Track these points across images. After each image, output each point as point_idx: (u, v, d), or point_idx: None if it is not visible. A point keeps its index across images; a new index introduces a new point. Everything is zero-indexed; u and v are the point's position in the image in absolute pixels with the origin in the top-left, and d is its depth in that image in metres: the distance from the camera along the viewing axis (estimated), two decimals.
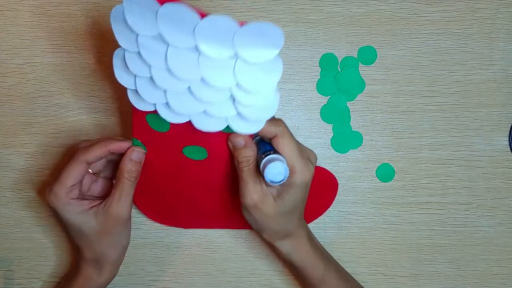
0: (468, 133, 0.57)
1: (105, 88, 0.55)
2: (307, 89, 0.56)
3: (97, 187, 0.50)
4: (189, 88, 0.40)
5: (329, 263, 0.51)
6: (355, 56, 0.56)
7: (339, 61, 0.56)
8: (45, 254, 0.56)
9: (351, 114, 0.56)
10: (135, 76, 0.41)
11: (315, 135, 0.56)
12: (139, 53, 0.39)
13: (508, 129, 0.56)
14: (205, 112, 0.41)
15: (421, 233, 0.57)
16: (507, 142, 0.57)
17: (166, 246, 0.56)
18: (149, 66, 0.39)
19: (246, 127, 0.43)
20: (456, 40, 0.56)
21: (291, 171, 0.43)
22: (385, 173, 0.56)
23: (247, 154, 0.44)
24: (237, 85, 0.39)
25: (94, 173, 0.49)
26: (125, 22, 0.37)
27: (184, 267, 0.56)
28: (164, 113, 0.42)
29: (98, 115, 0.55)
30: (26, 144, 0.55)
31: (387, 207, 0.56)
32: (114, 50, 0.40)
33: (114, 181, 0.48)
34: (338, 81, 0.55)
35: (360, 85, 0.56)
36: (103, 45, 0.55)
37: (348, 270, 0.55)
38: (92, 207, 0.47)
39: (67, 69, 0.55)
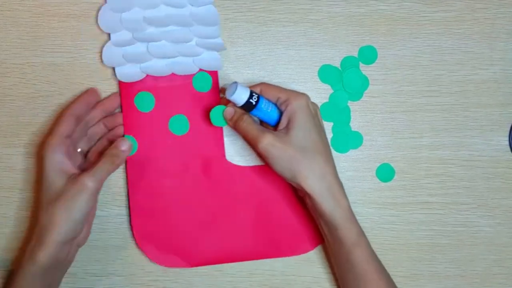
0: (468, 133, 0.57)
1: (105, 89, 0.55)
2: (307, 89, 0.56)
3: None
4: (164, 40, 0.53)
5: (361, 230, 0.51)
6: (355, 56, 0.56)
7: (340, 61, 0.56)
8: None
9: (351, 114, 0.56)
10: (122, 53, 0.53)
11: None
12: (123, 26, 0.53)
13: (508, 129, 0.57)
14: (178, 57, 0.53)
15: (421, 233, 0.57)
16: (507, 142, 0.57)
17: None
18: (132, 31, 0.53)
19: (208, 63, 0.54)
20: (456, 40, 0.56)
21: (286, 102, 0.50)
22: (385, 173, 0.56)
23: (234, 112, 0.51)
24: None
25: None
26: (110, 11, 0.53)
27: None
28: (148, 70, 0.53)
29: None
30: (26, 144, 0.55)
31: (387, 207, 0.56)
32: None
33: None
34: (343, 82, 0.55)
35: (364, 84, 0.56)
36: (103, 45, 0.55)
37: None
38: (71, 172, 0.49)
39: (67, 69, 0.55)
